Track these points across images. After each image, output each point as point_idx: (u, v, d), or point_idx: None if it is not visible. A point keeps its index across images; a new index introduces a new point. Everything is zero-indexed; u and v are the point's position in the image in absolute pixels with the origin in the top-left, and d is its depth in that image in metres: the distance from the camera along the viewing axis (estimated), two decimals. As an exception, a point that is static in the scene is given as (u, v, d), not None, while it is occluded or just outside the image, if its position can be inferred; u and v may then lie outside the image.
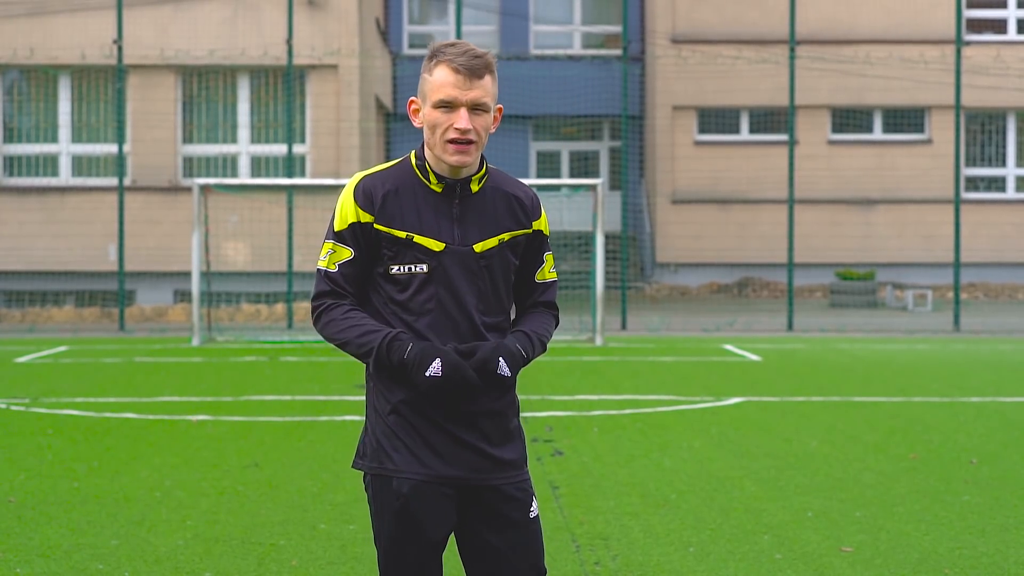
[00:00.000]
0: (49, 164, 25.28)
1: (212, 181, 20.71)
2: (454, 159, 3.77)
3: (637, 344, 20.13)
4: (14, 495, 8.36)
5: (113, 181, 24.51)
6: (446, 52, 3.78)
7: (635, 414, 12.15)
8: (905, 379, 15.28)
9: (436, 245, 3.79)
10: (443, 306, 3.80)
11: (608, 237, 27.39)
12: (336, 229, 3.81)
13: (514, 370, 3.83)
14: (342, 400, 13.11)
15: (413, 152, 3.88)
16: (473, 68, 3.76)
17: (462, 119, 3.75)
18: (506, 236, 3.87)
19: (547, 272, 4.01)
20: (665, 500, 8.22)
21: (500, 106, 3.87)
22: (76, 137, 25.28)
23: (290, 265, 23.28)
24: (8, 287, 24.91)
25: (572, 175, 33.33)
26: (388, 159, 29.94)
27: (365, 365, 3.89)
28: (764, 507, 8.02)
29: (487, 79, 3.78)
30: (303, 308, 24.22)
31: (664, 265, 31.68)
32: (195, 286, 19.96)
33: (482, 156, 3.88)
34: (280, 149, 24.64)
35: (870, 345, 20.09)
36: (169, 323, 23.92)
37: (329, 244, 3.84)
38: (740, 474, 9.10)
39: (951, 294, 27.91)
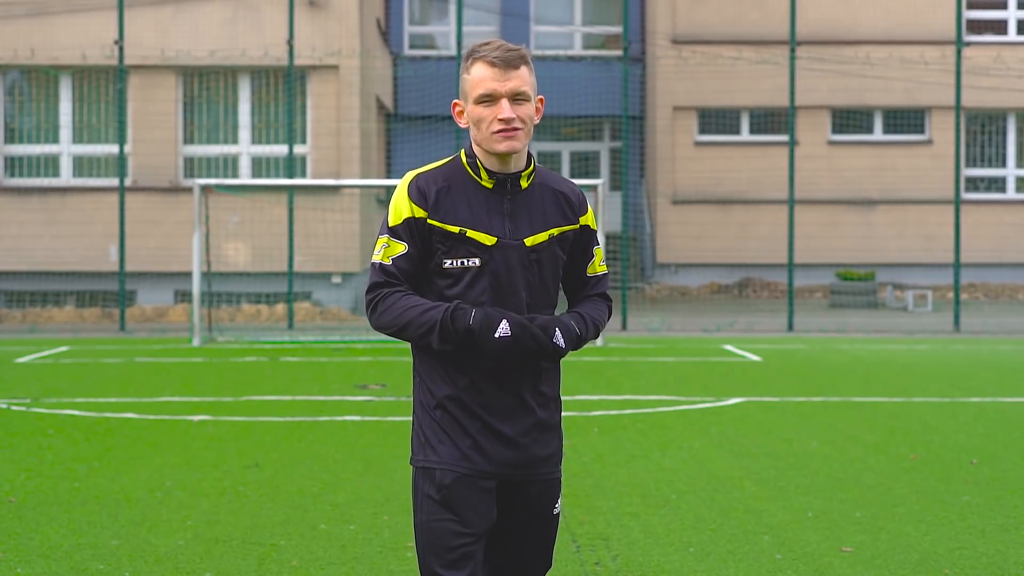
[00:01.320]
0: (50, 165, 25.29)
1: (213, 181, 20.71)
2: (503, 146, 3.84)
3: (637, 344, 20.14)
4: (15, 495, 8.37)
5: (114, 181, 24.52)
6: (480, 50, 3.87)
7: (635, 414, 12.15)
8: (905, 379, 15.28)
9: (488, 239, 3.85)
10: (496, 298, 3.86)
11: (608, 237, 27.42)
12: (391, 225, 3.87)
13: (568, 344, 3.86)
14: (342, 400, 13.11)
15: (463, 151, 3.95)
16: (508, 60, 3.84)
17: (504, 109, 3.83)
18: (555, 231, 3.95)
19: (597, 265, 4.09)
20: (665, 500, 8.23)
21: (542, 97, 3.97)
22: (77, 138, 25.29)
23: (291, 265, 23.29)
24: (9, 287, 24.91)
25: (573, 176, 33.29)
26: (388, 160, 29.95)
27: (412, 360, 3.96)
28: (764, 507, 8.03)
29: (523, 69, 3.87)
30: (303, 308, 24.23)
31: (664, 265, 31.68)
32: (196, 286, 19.97)
33: (529, 153, 3.95)
34: (281, 149, 24.65)
35: (870, 345, 20.09)
36: (170, 323, 23.93)
37: (383, 239, 3.90)
38: (740, 474, 9.11)
39: (951, 294, 27.91)
